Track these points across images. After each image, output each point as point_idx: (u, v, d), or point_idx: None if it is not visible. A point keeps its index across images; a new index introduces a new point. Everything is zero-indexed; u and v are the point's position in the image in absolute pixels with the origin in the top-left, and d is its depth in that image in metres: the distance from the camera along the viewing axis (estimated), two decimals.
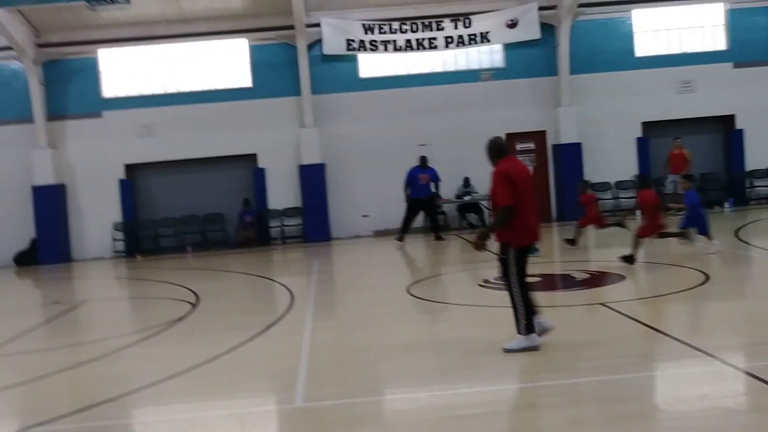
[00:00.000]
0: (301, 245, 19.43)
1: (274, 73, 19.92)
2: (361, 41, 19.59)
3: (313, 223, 19.64)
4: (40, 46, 19.44)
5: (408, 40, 19.71)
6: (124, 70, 20.05)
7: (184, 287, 12.90)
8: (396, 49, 19.76)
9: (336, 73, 20.05)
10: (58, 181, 19.60)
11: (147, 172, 20.25)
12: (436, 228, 17.84)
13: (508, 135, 20.42)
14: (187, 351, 8.28)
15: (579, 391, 6.06)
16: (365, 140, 19.75)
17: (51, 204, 19.37)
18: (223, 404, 6.39)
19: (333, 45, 19.66)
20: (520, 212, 6.87)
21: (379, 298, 10.73)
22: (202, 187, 20.18)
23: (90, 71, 19.84)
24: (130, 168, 20.03)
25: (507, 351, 6.97)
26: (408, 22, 19.64)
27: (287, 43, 19.70)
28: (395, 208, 18.23)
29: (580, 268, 11.90)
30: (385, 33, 19.62)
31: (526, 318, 6.97)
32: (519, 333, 7.02)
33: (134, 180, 20.20)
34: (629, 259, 11.44)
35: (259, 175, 20.02)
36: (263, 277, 14.13)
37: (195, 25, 19.54)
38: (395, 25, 19.61)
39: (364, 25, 19.55)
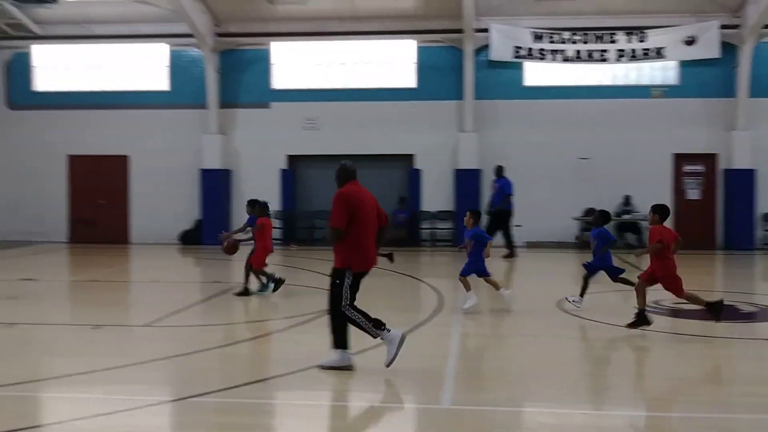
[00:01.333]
0: (451, 249, 19.31)
1: (439, 75, 19.95)
2: (530, 49, 19.21)
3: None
4: (219, 35, 20.47)
5: (578, 51, 19.13)
6: (293, 64, 20.75)
7: None
8: (565, 59, 19.23)
9: (501, 79, 19.80)
10: (225, 166, 20.59)
11: (308, 164, 20.85)
12: (508, 243, 17.17)
13: (676, 156, 19.53)
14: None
15: (728, 428, 5.62)
16: (524, 149, 19.37)
17: (216, 188, 20.37)
18: (367, 397, 6.42)
19: (500, 51, 19.41)
20: (358, 238, 6.92)
21: (529, 310, 10.45)
22: (360, 183, 20.47)
23: (262, 63, 20.69)
24: (292, 159, 20.72)
25: (322, 367, 6.98)
26: (579, 33, 19.06)
27: (454, 47, 19.68)
28: (549, 219, 18.89)
29: (745, 300, 11.06)
30: (554, 42, 19.14)
31: (339, 333, 7.03)
32: (333, 348, 7.01)
33: (295, 170, 20.88)
34: (245, 293, 11.39)
35: (415, 176, 20.12)
36: (412, 276, 14.16)
37: (366, 23, 19.91)
38: (566, 34, 19.09)
39: (533, 33, 19.17)
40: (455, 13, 18.72)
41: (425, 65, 20.10)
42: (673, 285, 8.55)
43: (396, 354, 6.88)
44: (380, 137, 20.03)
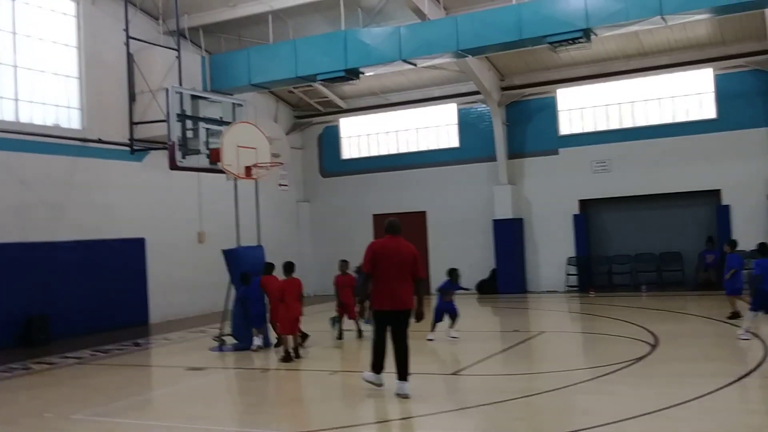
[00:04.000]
0: None
1: (743, 102, 18.35)
2: None
3: None
4: (504, 89, 20.93)
5: None
6: (580, 108, 20.47)
7: (641, 327, 12.49)
8: None
9: None
10: (516, 215, 20.76)
11: (601, 208, 20.28)
12: None
13: None
14: (648, 393, 7.93)
15: None
16: None
17: (509, 237, 20.58)
18: None
19: None
20: (379, 283, 8.22)
21: None
22: (658, 224, 19.49)
23: (548, 110, 20.69)
24: (584, 203, 20.30)
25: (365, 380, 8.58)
26: None
27: (759, 70, 18.05)
28: None
29: None
30: None
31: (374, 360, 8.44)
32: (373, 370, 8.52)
33: (588, 215, 20.39)
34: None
35: (723, 212, 18.55)
36: (726, 323, 12.95)
37: (655, 58, 19.11)
38: None
39: None
40: (758, 34, 17.21)
41: (726, 93, 18.60)
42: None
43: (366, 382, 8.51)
44: (680, 174, 18.86)
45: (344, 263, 13.63)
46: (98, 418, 8.11)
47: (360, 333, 12.97)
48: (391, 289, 8.20)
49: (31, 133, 15.19)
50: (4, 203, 14.58)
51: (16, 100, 15.29)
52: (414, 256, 8.43)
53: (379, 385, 8.46)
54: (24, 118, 15.38)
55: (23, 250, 14.72)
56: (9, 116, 15.10)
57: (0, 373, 11.36)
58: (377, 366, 8.48)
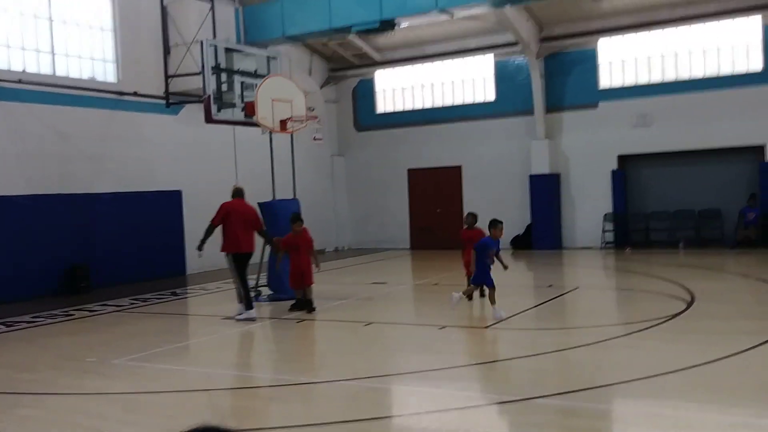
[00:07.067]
0: None
1: None
2: None
3: None
4: (543, 40, 20.47)
5: None
6: (621, 60, 19.98)
7: (677, 283, 12.35)
8: None
9: None
10: (553, 170, 20.51)
11: (640, 164, 19.92)
12: None
13: None
14: (683, 349, 7.87)
15: None
16: None
17: (546, 192, 20.39)
18: (723, 410, 5.87)
19: None
20: (228, 232, 10.91)
21: None
22: (698, 180, 19.09)
23: (588, 62, 20.22)
24: (622, 159, 19.96)
25: (238, 320, 10.79)
26: None
27: None
28: None
29: None
30: None
31: (246, 298, 10.90)
32: (245, 308, 10.90)
33: (627, 171, 20.07)
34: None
35: (766, 169, 18.10)
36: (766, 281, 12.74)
37: (701, 6, 18.50)
38: None
39: None
40: None
41: None
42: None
43: (238, 319, 10.81)
44: (722, 129, 18.38)
45: (473, 216, 12.36)
46: (137, 363, 8.31)
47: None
48: (238, 238, 10.84)
49: (68, 86, 15.33)
50: (45, 155, 14.81)
51: (53, 53, 15.39)
52: (255, 214, 11.28)
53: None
54: (60, 72, 15.51)
55: (64, 201, 14.99)
56: (46, 70, 15.23)
57: (44, 319, 11.69)
58: (251, 302, 10.97)
